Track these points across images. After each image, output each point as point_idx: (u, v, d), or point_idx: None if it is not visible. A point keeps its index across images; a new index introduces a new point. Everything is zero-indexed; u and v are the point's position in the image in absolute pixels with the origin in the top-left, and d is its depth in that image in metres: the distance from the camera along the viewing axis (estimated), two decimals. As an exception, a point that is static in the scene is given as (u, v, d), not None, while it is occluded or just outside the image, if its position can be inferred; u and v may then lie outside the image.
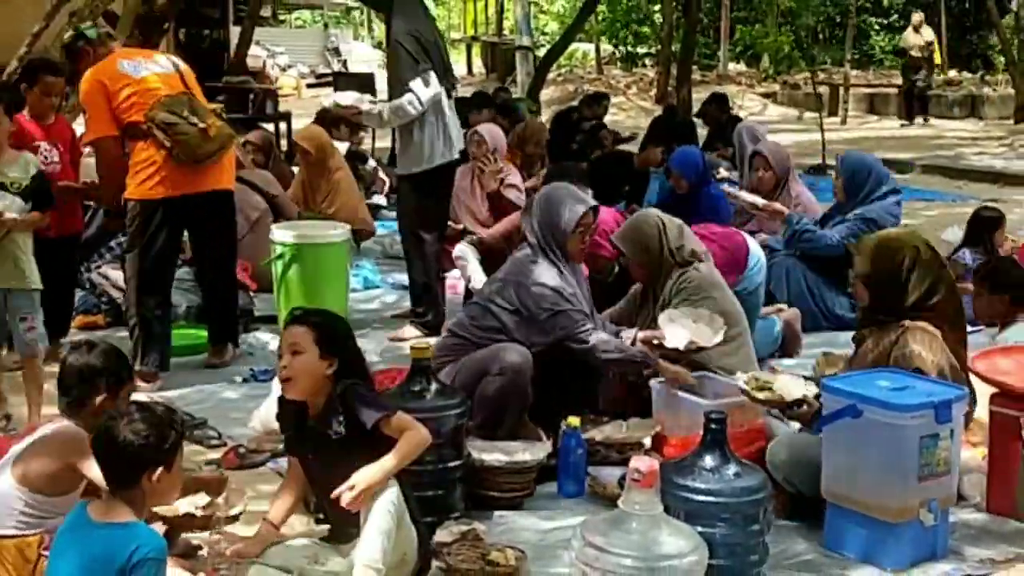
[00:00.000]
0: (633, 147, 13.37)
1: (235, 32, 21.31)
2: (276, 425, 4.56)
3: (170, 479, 2.92)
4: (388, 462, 3.16)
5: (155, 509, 3.32)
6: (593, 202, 4.67)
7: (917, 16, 19.15)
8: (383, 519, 3.08)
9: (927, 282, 3.84)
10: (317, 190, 8.20)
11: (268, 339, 5.96)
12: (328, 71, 28.10)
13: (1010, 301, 5.13)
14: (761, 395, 3.91)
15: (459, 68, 30.06)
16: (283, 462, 4.36)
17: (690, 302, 4.68)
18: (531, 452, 4.03)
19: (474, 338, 4.43)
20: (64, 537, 2.91)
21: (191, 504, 3.51)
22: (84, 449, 3.18)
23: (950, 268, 6.46)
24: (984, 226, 6.71)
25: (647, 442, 4.25)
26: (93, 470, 3.14)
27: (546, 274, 4.42)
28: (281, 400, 3.50)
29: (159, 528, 3.19)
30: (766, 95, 22.46)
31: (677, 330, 4.51)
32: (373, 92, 17.37)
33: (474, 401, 4.21)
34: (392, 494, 3.13)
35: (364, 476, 3.12)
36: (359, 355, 3.45)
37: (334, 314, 3.58)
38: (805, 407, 3.82)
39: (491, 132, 7.89)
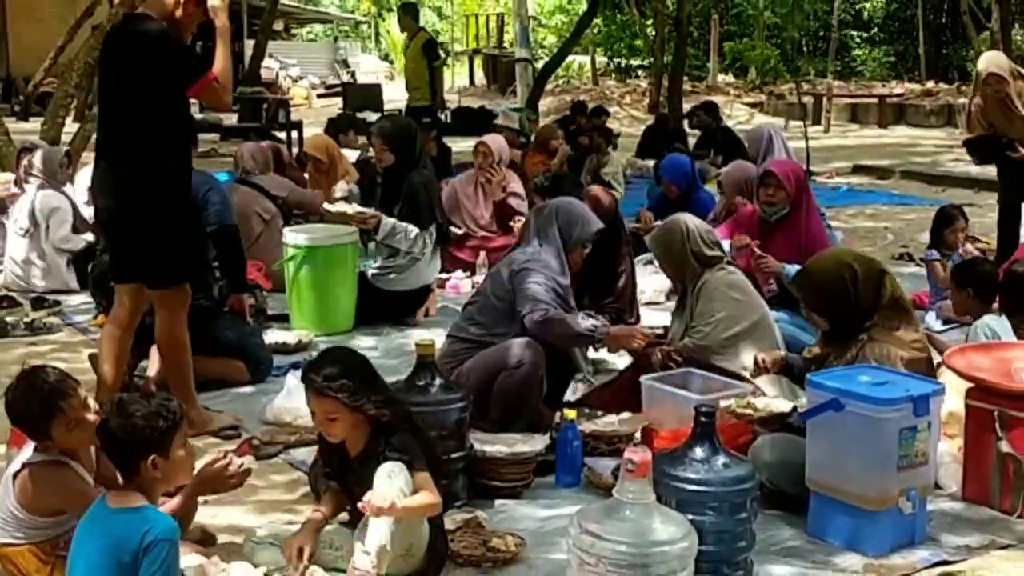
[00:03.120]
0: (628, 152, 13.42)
1: (249, 45, 21.33)
2: (288, 419, 4.62)
3: (171, 464, 2.96)
4: (402, 502, 3.08)
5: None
6: (600, 224, 4.76)
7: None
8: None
9: (872, 286, 3.87)
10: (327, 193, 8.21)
11: (281, 337, 5.95)
12: (337, 82, 28.13)
13: (974, 295, 5.13)
14: (756, 413, 3.91)
15: (462, 80, 30.18)
16: (295, 453, 4.38)
17: (707, 301, 4.69)
18: (530, 444, 4.02)
19: (475, 338, 4.43)
20: (84, 526, 2.93)
21: None
22: (60, 488, 3.17)
23: (926, 268, 6.55)
24: (940, 224, 6.69)
25: (637, 435, 4.25)
26: (74, 504, 3.13)
27: (536, 256, 4.47)
28: (322, 441, 3.47)
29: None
30: (753, 105, 22.43)
31: None
32: (380, 103, 17.47)
33: (491, 399, 4.22)
34: (401, 480, 3.12)
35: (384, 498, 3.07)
36: (383, 391, 3.32)
37: (353, 365, 3.32)
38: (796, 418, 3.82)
39: (496, 143, 7.90)
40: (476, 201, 7.72)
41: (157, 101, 4.21)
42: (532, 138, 11.13)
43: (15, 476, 3.22)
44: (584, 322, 4.50)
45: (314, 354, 5.67)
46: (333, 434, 3.31)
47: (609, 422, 4.41)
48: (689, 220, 4.93)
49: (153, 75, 4.16)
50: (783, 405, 3.91)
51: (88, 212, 7.58)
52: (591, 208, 5.76)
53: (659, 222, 7.66)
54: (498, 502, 3.92)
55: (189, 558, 3.12)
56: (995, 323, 4.84)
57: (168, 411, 2.96)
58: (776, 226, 5.58)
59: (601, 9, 22.31)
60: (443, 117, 13.54)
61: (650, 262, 7.26)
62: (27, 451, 3.28)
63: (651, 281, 6.92)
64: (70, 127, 11.02)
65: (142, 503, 2.88)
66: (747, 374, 4.36)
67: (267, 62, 21.68)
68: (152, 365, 5.07)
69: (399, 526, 3.09)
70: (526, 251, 4.57)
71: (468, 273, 7.40)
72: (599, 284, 5.69)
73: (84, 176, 7.97)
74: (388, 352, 5.80)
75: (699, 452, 3.27)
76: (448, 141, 11.58)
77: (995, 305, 5.09)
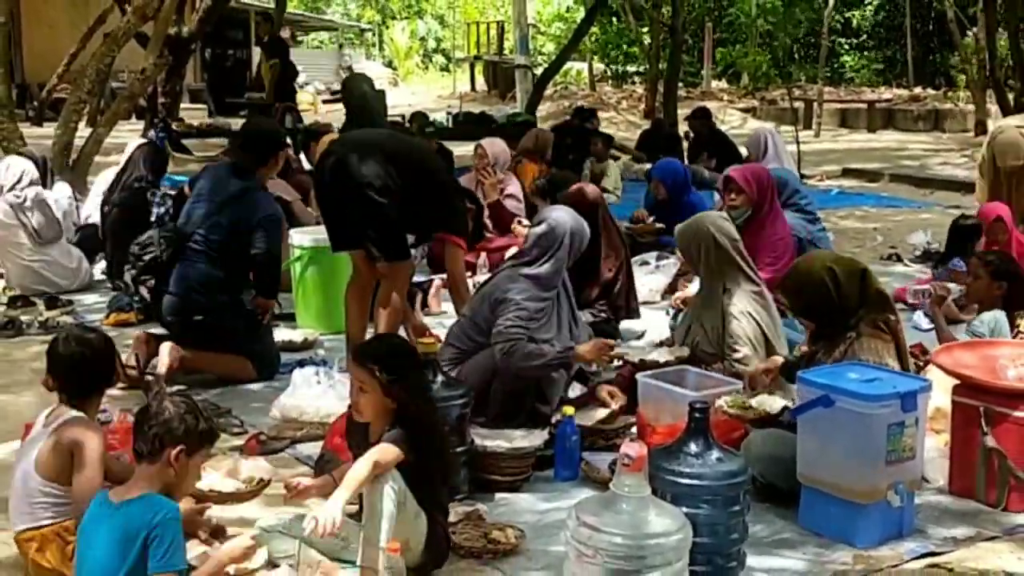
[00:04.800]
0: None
1: (257, 52, 21.33)
2: (294, 415, 4.62)
3: (191, 467, 3.00)
4: (340, 494, 3.08)
5: (204, 487, 3.38)
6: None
7: None
8: (383, 502, 3.07)
9: (855, 285, 3.88)
10: None
11: (288, 335, 5.95)
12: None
13: (1006, 290, 5.12)
14: (749, 413, 3.91)
15: (463, 85, 30.17)
16: (301, 448, 4.38)
17: (742, 323, 4.59)
18: (529, 439, 4.03)
19: (470, 348, 4.43)
20: (90, 524, 2.93)
21: (234, 483, 3.64)
22: (85, 436, 3.21)
23: (950, 276, 6.59)
24: (968, 235, 6.74)
25: (634, 430, 4.25)
26: (90, 454, 3.17)
27: (523, 291, 4.39)
28: (349, 422, 3.48)
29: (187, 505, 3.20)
30: (746, 110, 22.41)
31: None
32: (385, 109, 17.46)
33: (489, 397, 4.21)
34: (392, 479, 3.11)
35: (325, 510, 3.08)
36: (419, 385, 3.35)
37: (399, 349, 3.44)
38: (788, 415, 3.82)
39: (492, 147, 7.86)
40: (476, 203, 7.72)
41: None
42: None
43: (40, 462, 3.24)
44: (551, 348, 4.37)
45: (320, 352, 5.77)
46: (359, 409, 3.32)
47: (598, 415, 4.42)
48: (715, 224, 4.81)
49: None
50: (775, 404, 3.92)
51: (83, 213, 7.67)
52: (574, 201, 5.77)
53: (653, 221, 7.72)
54: (498, 495, 3.92)
55: (194, 550, 3.12)
56: (1001, 316, 4.91)
57: (210, 421, 3.08)
58: (744, 229, 5.59)
59: (598, 17, 22.31)
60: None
61: (646, 263, 7.26)
62: (49, 423, 3.33)
63: (647, 281, 6.92)
64: (83, 132, 11.02)
65: (143, 492, 2.89)
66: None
67: (274, 69, 21.66)
68: (161, 364, 5.07)
69: (395, 521, 3.08)
70: (515, 276, 4.48)
71: (469, 273, 7.39)
72: (583, 280, 5.67)
73: (101, 181, 7.97)
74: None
75: (693, 447, 3.27)
76: (449, 145, 11.58)
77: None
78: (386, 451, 3.13)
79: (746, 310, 4.60)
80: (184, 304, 5.27)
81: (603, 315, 5.68)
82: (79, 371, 3.39)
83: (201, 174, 5.78)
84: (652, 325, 6.03)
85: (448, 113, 18.46)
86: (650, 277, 7.03)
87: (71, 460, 3.20)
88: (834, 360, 3.82)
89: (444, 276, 7.16)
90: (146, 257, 5.34)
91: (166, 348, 5.13)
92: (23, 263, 7.06)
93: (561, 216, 4.70)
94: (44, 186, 7.50)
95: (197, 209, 5.39)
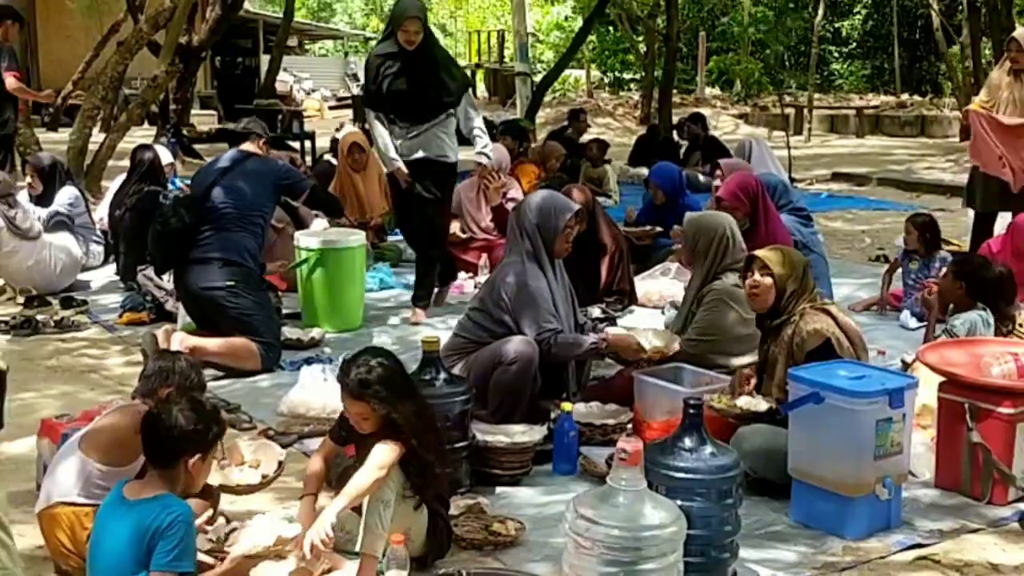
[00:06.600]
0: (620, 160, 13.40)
1: (265, 60, 21.35)
2: (302, 411, 4.62)
3: (204, 468, 3.00)
4: (337, 503, 3.06)
5: (221, 483, 3.37)
6: (577, 206, 4.65)
7: None
8: (381, 490, 3.08)
9: (809, 283, 4.00)
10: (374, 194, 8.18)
11: (295, 334, 5.95)
12: (348, 95, 28.12)
13: (964, 289, 5.10)
14: (735, 410, 3.91)
15: (464, 92, 30.14)
16: (309, 443, 4.38)
17: (707, 309, 4.64)
18: (529, 434, 4.03)
19: (477, 339, 4.43)
20: (104, 515, 2.93)
21: (242, 474, 3.61)
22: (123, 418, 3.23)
23: (899, 275, 6.60)
24: (923, 230, 6.71)
25: (630, 426, 4.25)
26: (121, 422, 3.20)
27: (525, 273, 4.41)
28: (342, 419, 3.45)
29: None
30: (738, 116, 22.42)
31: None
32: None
33: (489, 391, 4.21)
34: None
35: (316, 529, 3.04)
36: (412, 398, 3.26)
37: (387, 373, 3.22)
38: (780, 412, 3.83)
39: (494, 151, 7.85)
40: (478, 206, 7.74)
41: None
42: (530, 147, 11.15)
43: (88, 431, 3.25)
44: (588, 339, 4.44)
45: (326, 350, 5.76)
46: (363, 428, 3.29)
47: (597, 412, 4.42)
48: (733, 225, 4.85)
49: None
50: (761, 405, 3.92)
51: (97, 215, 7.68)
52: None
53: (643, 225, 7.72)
54: (499, 489, 3.92)
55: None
56: (975, 316, 4.90)
57: (221, 420, 3.06)
58: (747, 239, 5.63)
59: (596, 26, 22.31)
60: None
61: (668, 270, 7.16)
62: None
63: (664, 286, 6.86)
64: (97, 137, 11.03)
65: (161, 492, 2.88)
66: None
67: (282, 76, 21.69)
68: None
69: (392, 509, 3.08)
70: (513, 267, 4.47)
71: (471, 274, 7.40)
72: (585, 281, 5.67)
73: (115, 186, 7.98)
74: (397, 341, 5.81)
75: (688, 442, 3.26)
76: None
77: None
78: (386, 454, 3.11)
79: (720, 302, 4.64)
80: (220, 271, 5.37)
81: (612, 312, 5.69)
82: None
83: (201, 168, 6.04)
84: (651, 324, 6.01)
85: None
86: (649, 282, 6.97)
87: (122, 436, 3.19)
88: (784, 346, 3.86)
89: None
90: (171, 223, 5.42)
91: (176, 338, 5.14)
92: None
93: (525, 200, 4.72)
94: (55, 189, 7.47)
95: (207, 180, 5.59)
